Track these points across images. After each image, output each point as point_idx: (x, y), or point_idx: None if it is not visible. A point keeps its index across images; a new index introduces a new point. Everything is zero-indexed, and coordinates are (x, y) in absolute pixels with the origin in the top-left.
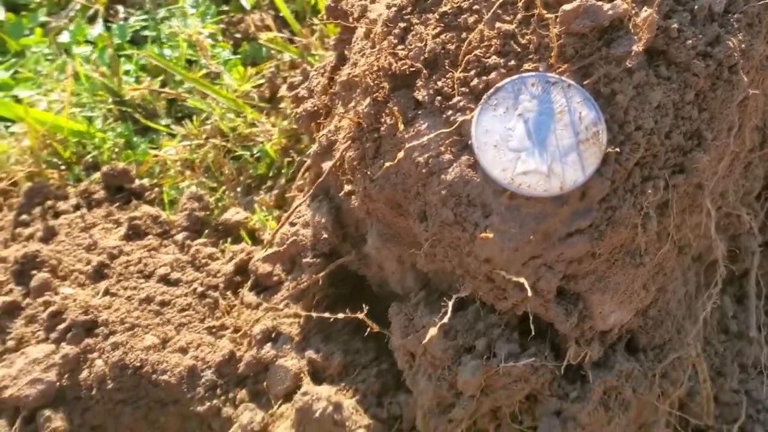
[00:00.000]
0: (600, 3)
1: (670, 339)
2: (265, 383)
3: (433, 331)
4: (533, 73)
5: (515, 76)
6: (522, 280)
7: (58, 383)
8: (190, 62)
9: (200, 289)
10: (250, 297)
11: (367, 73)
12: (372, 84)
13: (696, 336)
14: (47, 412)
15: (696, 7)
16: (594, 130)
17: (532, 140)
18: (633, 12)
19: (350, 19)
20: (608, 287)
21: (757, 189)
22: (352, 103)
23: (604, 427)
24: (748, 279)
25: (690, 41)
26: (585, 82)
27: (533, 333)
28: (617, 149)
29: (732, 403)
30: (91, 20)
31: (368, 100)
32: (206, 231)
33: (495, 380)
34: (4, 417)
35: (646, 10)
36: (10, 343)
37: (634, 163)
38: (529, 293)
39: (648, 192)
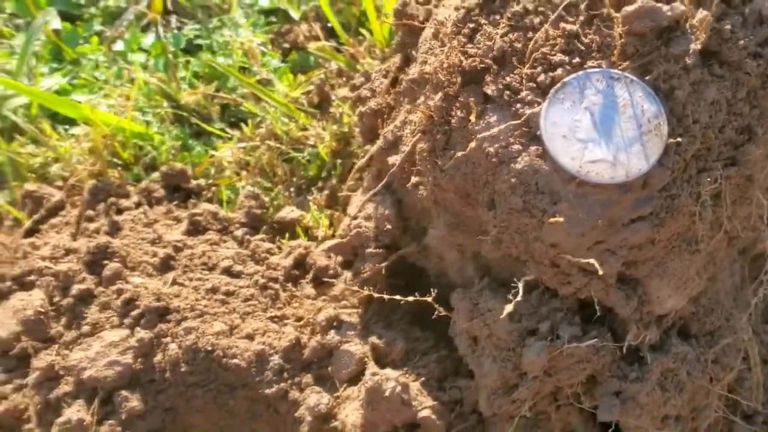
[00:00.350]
0: (659, 4)
1: (719, 326)
2: (330, 368)
3: (509, 307)
4: (598, 69)
5: (581, 72)
6: (592, 261)
7: (134, 365)
8: (242, 69)
9: (261, 281)
10: (308, 289)
11: (438, 69)
12: (444, 79)
13: (747, 321)
14: (124, 393)
15: (747, 10)
16: (656, 122)
17: (598, 131)
18: (690, 13)
19: (417, 21)
20: (666, 273)
21: None
22: (421, 99)
23: (660, 408)
24: None
25: (742, 42)
26: (646, 78)
27: (595, 317)
28: (678, 140)
29: None
30: (145, 30)
31: (440, 94)
32: (263, 228)
33: (559, 361)
34: (82, 397)
35: (702, 12)
36: (86, 329)
37: (691, 155)
38: (600, 272)
39: (704, 182)
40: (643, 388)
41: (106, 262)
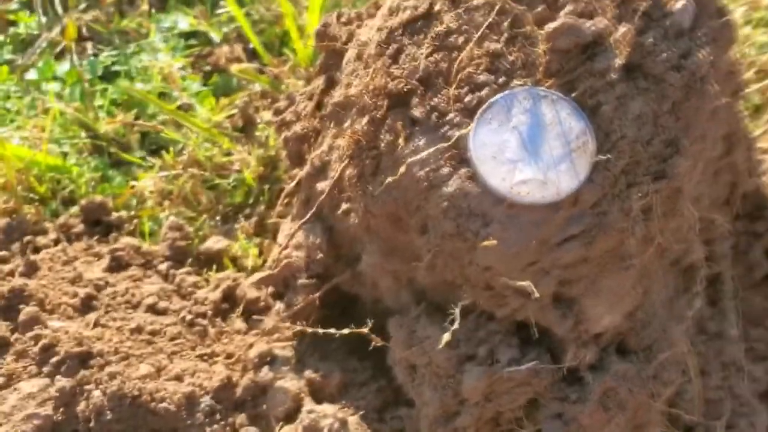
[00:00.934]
0: (582, 21)
1: (657, 339)
2: (264, 406)
3: (447, 336)
4: (523, 89)
5: (506, 92)
6: (527, 283)
7: (54, 417)
8: (162, 95)
9: (189, 317)
10: (239, 323)
11: (363, 92)
12: (369, 102)
13: (683, 332)
14: None
15: (668, 23)
16: (583, 139)
17: (527, 151)
18: (612, 28)
19: (339, 42)
20: (601, 290)
21: (724, 195)
22: (348, 123)
23: (604, 427)
24: (723, 280)
25: (664, 54)
26: (571, 95)
27: (533, 338)
28: (607, 156)
29: (716, 400)
30: (59, 57)
31: (366, 118)
32: (189, 260)
33: (498, 385)
34: None
35: (624, 26)
36: (1, 380)
37: (620, 170)
38: (536, 294)
39: (634, 197)
40: (585, 408)
41: (22, 306)
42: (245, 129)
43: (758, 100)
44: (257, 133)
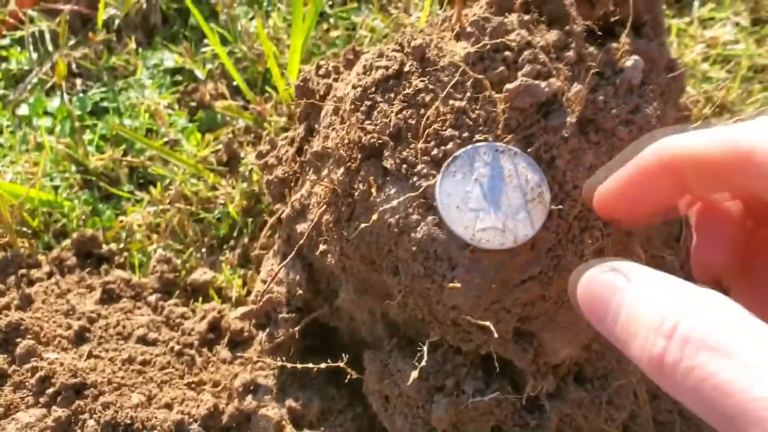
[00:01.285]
0: (538, 81)
1: (612, 369)
2: None
3: (414, 374)
4: (484, 143)
5: (469, 146)
6: (487, 323)
7: None
8: (149, 131)
9: (177, 347)
10: (224, 352)
11: (339, 145)
12: (345, 155)
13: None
14: None
15: (618, 81)
16: (539, 190)
17: (487, 201)
18: (566, 87)
19: (317, 96)
20: (558, 325)
21: (675, 232)
22: (325, 171)
23: None
24: None
25: (614, 110)
26: (528, 150)
27: (496, 370)
28: (560, 206)
29: (667, 422)
30: (49, 93)
31: (342, 169)
32: (177, 292)
33: (465, 415)
34: None
35: (576, 86)
36: (0, 411)
37: (574, 217)
38: (495, 335)
39: (586, 241)
40: None
41: (18, 339)
42: (230, 164)
43: None
44: (241, 168)
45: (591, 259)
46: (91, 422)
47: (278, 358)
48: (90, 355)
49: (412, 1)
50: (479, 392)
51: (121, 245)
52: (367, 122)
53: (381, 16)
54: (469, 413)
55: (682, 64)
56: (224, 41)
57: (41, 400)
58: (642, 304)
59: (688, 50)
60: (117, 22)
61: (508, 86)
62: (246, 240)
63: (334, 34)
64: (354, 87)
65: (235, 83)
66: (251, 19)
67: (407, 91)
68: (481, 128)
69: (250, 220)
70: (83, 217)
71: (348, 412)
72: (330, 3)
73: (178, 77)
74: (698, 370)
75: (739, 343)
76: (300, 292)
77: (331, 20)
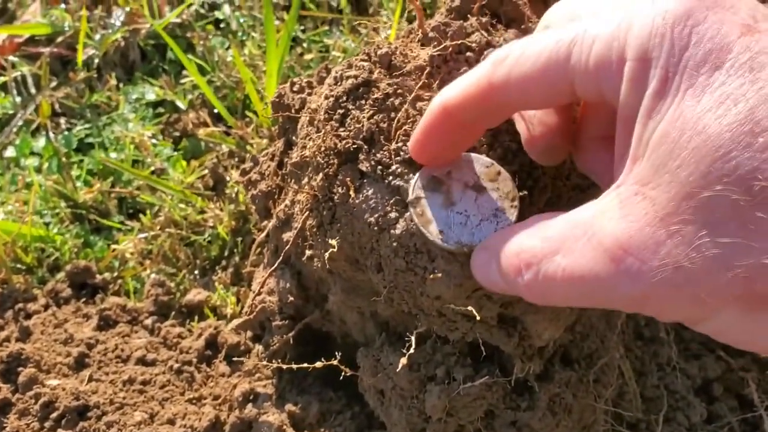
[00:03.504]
0: None
1: (596, 349)
2: None
3: (403, 361)
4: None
5: None
6: (470, 308)
7: None
8: (135, 162)
9: (176, 365)
10: (223, 367)
11: (316, 153)
12: (322, 161)
13: (617, 340)
14: None
15: None
16: (509, 185)
17: (462, 200)
18: None
19: (293, 110)
20: (539, 308)
21: None
22: (305, 180)
23: (553, 429)
24: None
25: None
26: (496, 143)
27: (484, 355)
28: (528, 193)
29: (655, 397)
30: (35, 134)
31: (320, 175)
32: (172, 313)
33: (457, 401)
34: None
35: None
36: None
37: (544, 203)
38: (478, 317)
39: None
40: (535, 414)
41: (20, 369)
42: (216, 187)
43: None
44: (227, 191)
45: None
46: None
47: (274, 362)
48: (91, 379)
49: (381, 20)
50: (469, 378)
51: (115, 274)
52: (341, 129)
53: (352, 37)
54: (462, 399)
55: None
56: (203, 71)
57: (46, 425)
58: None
59: None
60: (96, 61)
61: None
62: (237, 259)
63: (308, 57)
64: (326, 97)
65: (216, 110)
66: (227, 48)
67: (377, 96)
68: None
69: (239, 239)
70: (75, 249)
71: (346, 411)
72: (302, 28)
73: (161, 109)
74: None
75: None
76: (291, 298)
77: (305, 44)
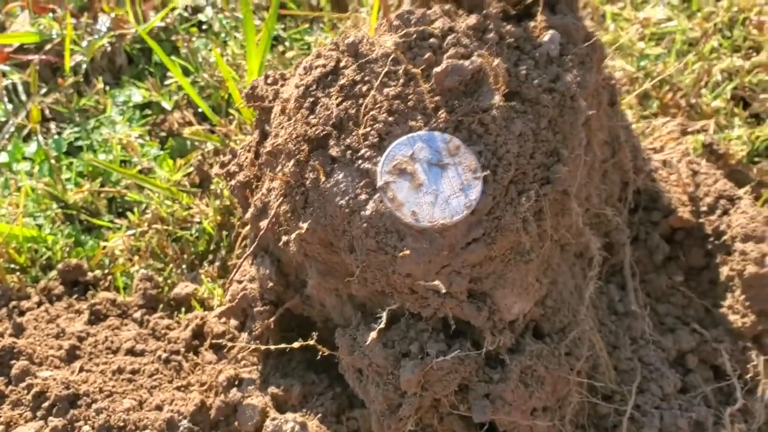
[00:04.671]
0: (461, 61)
1: (569, 323)
2: (236, 423)
3: (373, 335)
4: (419, 125)
5: (406, 128)
6: (437, 283)
7: None
8: (123, 162)
9: (164, 355)
10: (209, 355)
11: (288, 140)
12: (293, 148)
13: (587, 313)
14: None
15: (537, 54)
16: (474, 164)
17: (428, 179)
18: (489, 64)
19: (266, 101)
20: (507, 283)
21: (616, 192)
22: (279, 167)
23: (527, 402)
24: (624, 265)
25: (536, 81)
26: (460, 127)
27: (456, 330)
28: (492, 171)
29: (629, 369)
30: (26, 139)
31: (292, 161)
32: (161, 306)
33: (431, 375)
34: None
35: (496, 61)
36: (0, 428)
37: (509, 181)
38: (443, 290)
39: (523, 202)
40: (507, 386)
41: (13, 362)
42: (202, 184)
43: (655, 107)
44: (213, 187)
45: (530, 218)
46: (86, 428)
47: (253, 344)
48: (81, 370)
49: (360, 17)
50: (442, 353)
51: (105, 270)
52: (311, 116)
53: (332, 34)
54: (435, 373)
55: (600, 36)
56: (187, 73)
57: (38, 413)
58: None
59: (624, 32)
60: (84, 66)
61: (436, 69)
62: (223, 252)
63: (290, 54)
64: (297, 87)
65: (200, 110)
66: (210, 50)
67: (344, 82)
68: (415, 111)
69: (225, 233)
70: (67, 248)
71: (328, 392)
72: (283, 27)
73: (147, 111)
74: None
75: None
76: (271, 284)
77: (287, 43)
